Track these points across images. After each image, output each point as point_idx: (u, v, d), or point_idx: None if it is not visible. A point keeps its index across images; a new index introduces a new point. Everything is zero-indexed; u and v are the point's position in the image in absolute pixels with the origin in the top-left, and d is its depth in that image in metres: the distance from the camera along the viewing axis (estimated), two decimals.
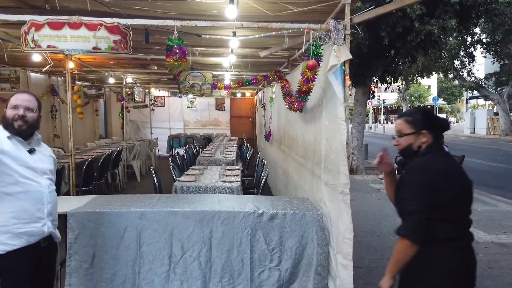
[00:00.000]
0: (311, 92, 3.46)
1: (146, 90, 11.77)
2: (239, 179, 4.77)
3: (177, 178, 4.70)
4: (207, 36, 3.56)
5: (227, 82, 6.86)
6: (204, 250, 3.21)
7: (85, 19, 2.78)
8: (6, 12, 3.29)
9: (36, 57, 4.84)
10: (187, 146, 9.25)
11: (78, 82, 7.69)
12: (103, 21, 2.78)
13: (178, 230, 3.20)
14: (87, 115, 11.04)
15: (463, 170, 1.96)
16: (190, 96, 16.33)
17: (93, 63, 6.60)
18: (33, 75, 8.14)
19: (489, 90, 25.71)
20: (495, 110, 28.18)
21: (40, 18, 2.74)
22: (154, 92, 13.41)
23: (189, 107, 15.36)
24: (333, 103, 2.94)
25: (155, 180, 4.57)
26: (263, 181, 4.82)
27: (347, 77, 2.70)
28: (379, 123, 44.71)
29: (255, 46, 4.62)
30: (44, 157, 2.35)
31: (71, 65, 5.56)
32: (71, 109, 5.44)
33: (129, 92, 10.37)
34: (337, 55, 2.69)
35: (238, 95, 15.47)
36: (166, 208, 3.23)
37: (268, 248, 3.22)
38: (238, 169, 5.69)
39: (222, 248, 3.21)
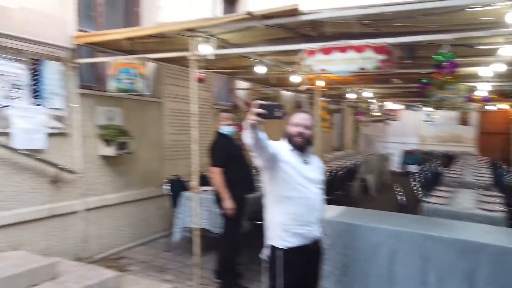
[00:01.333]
0: None
1: (381, 104, 11.68)
2: (504, 209, 4.04)
3: (426, 199, 4.39)
4: (480, 47, 3.18)
5: (483, 93, 6.00)
6: (466, 287, 2.85)
7: (352, 42, 2.97)
8: (282, 43, 3.88)
9: (295, 78, 5.57)
10: (429, 163, 8.59)
11: (321, 98, 8.36)
12: (369, 42, 2.90)
13: (434, 257, 2.97)
14: (321, 131, 11.87)
15: None
16: (429, 109, 15.24)
17: (338, 80, 7.03)
18: (284, 93, 9.38)
19: None
20: None
21: (314, 45, 3.11)
22: (389, 105, 13.16)
23: (426, 121, 14.31)
24: None
25: (399, 198, 4.41)
26: None
27: None
28: None
29: None
30: (316, 168, 2.62)
31: (320, 83, 6.11)
32: (318, 123, 5.93)
33: (366, 106, 10.53)
34: None
35: (488, 107, 13.28)
36: (422, 231, 3.05)
37: None
38: (498, 196, 4.84)
39: None
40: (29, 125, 3.90)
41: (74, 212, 4.37)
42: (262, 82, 7.99)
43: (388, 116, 13.17)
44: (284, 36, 3.89)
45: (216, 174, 3.83)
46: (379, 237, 3.16)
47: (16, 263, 3.29)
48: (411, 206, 4.66)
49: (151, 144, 5.55)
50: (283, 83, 7.41)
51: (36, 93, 4.00)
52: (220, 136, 4.00)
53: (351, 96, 8.61)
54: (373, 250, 3.18)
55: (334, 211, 3.65)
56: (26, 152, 3.83)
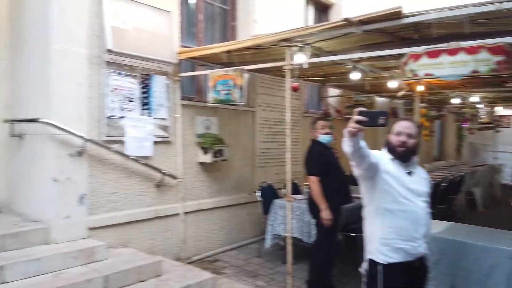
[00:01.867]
0: None
1: (490, 109, 10.50)
2: None
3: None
4: None
5: None
6: None
7: (463, 43, 2.72)
8: (379, 48, 3.71)
9: (392, 84, 5.29)
10: None
11: (420, 104, 7.80)
12: (484, 42, 2.63)
13: None
14: (421, 139, 11.07)
15: None
16: None
17: (439, 85, 6.51)
18: (378, 99, 8.97)
19: None
20: None
21: (418, 49, 2.91)
22: (500, 111, 11.77)
23: None
24: None
25: None
26: None
27: None
28: None
29: None
30: (421, 180, 2.44)
31: (420, 88, 5.71)
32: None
33: (472, 112, 9.57)
34: None
35: None
36: None
37: None
38: None
39: None
40: (139, 134, 4.32)
41: (175, 215, 4.69)
42: (354, 89, 7.76)
43: (498, 123, 11.78)
44: (382, 40, 3.73)
45: (314, 183, 3.80)
46: (493, 258, 2.82)
47: (126, 259, 3.65)
48: None
49: (244, 152, 5.74)
50: (378, 89, 7.10)
51: (145, 105, 4.42)
52: (317, 144, 3.96)
53: (455, 101, 7.88)
54: (487, 273, 2.85)
55: (440, 226, 3.37)
56: (136, 158, 4.24)
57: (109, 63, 4.07)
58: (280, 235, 4.70)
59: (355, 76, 4.83)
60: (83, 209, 3.80)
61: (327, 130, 3.97)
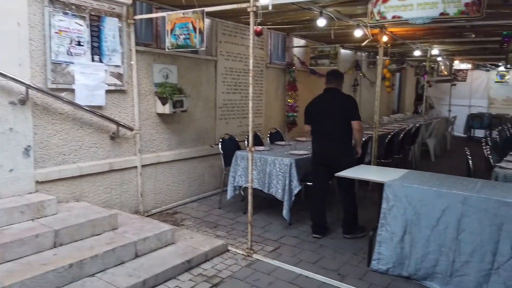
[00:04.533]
0: None
1: (449, 63, 10.73)
2: None
3: (499, 164, 3.99)
4: None
5: None
6: None
7: None
8: None
9: (358, 33, 5.16)
10: (498, 128, 7.86)
11: (383, 57, 7.80)
12: None
13: (509, 225, 2.69)
14: (383, 89, 11.23)
15: None
16: (501, 69, 13.84)
17: (403, 35, 6.48)
18: (342, 51, 8.88)
19: None
20: None
21: None
22: (457, 65, 12.07)
23: (498, 81, 13.03)
24: None
25: (470, 163, 4.05)
26: None
27: None
28: None
29: None
30: None
31: (385, 39, 5.63)
32: (380, 82, 5.54)
33: (432, 66, 9.73)
34: None
35: None
36: (496, 197, 2.76)
37: None
38: None
39: None
40: (90, 82, 4.00)
41: (132, 168, 4.52)
42: (319, 39, 7.60)
43: (455, 76, 12.12)
44: None
45: (361, 126, 4.10)
46: (446, 203, 2.92)
47: (79, 213, 3.49)
48: (479, 172, 4.29)
49: (205, 103, 5.54)
50: (342, 40, 6.98)
51: (96, 50, 4.06)
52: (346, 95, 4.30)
53: (416, 53, 7.94)
54: (438, 216, 2.95)
55: (395, 174, 3.43)
56: (88, 108, 3.96)
57: (52, 1, 3.65)
58: (241, 186, 4.68)
59: (321, 22, 4.66)
60: (29, 162, 3.55)
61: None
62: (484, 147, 4.82)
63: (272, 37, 7.15)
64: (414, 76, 13.46)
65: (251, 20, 3.44)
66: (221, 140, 5.08)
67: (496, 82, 13.09)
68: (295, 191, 4.26)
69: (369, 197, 5.32)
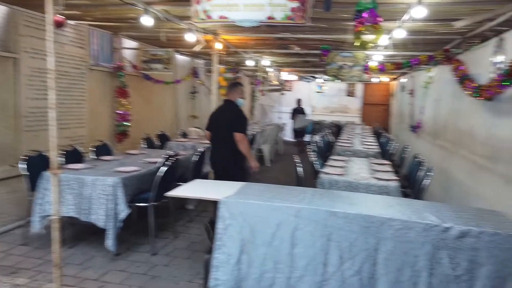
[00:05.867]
0: None
1: (278, 73, 11.57)
2: (396, 178, 4.06)
3: (322, 170, 4.21)
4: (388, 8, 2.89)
5: (373, 64, 6.07)
6: (367, 265, 2.65)
7: None
8: None
9: (190, 37, 4.82)
10: (321, 133, 8.73)
11: (218, 65, 7.76)
12: None
13: (338, 235, 2.70)
14: (219, 98, 11.37)
15: None
16: (319, 80, 15.81)
17: (237, 45, 6.50)
18: (178, 57, 8.53)
19: None
20: None
21: None
22: (284, 76, 13.19)
23: (318, 92, 14.81)
24: None
25: (299, 170, 4.15)
26: (424, 184, 4.01)
27: None
28: None
29: (434, 18, 3.73)
30: None
31: (219, 46, 5.49)
32: (216, 90, 5.37)
33: (264, 76, 10.27)
34: None
35: (373, 80, 14.26)
36: (326, 207, 2.76)
37: (453, 274, 2.51)
38: (388, 164, 4.95)
39: (391, 266, 2.61)
40: None
41: None
42: (152, 43, 7.03)
43: (284, 86, 13.22)
44: None
45: (245, 140, 4.13)
46: (281, 217, 2.79)
47: None
48: (309, 177, 4.49)
49: (1, 112, 4.36)
50: (176, 44, 6.60)
51: None
52: (236, 106, 4.28)
53: (249, 63, 8.17)
54: (274, 232, 2.80)
55: (229, 189, 3.18)
56: None
57: None
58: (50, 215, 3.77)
59: (147, 21, 4.15)
60: None
61: (243, 95, 4.46)
62: (309, 153, 5.08)
63: (96, 36, 6.25)
64: (250, 85, 14.14)
65: (48, 7, 2.70)
66: (26, 158, 4.03)
67: (316, 92, 14.82)
68: (122, 216, 3.63)
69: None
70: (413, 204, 3.04)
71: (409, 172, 5.19)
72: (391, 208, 2.84)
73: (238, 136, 4.05)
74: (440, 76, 5.71)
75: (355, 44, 2.92)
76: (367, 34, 2.51)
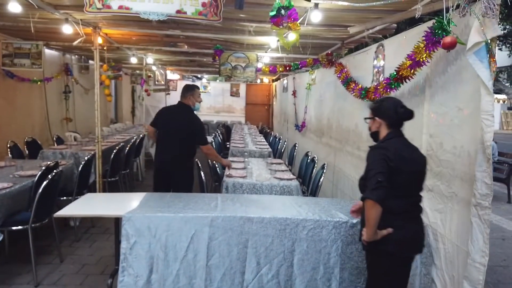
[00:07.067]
0: (412, 78, 2.86)
1: (163, 72, 11.08)
2: (295, 177, 4.21)
3: (227, 173, 4.12)
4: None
5: (260, 66, 6.21)
6: (284, 267, 2.66)
7: None
8: None
9: (67, 29, 4.17)
10: (213, 134, 8.65)
11: (100, 63, 6.99)
12: None
13: (254, 241, 2.65)
14: (102, 98, 10.38)
15: (416, 156, 2.19)
16: (204, 80, 15.72)
17: (120, 40, 5.94)
18: (47, 51, 7.44)
19: (504, 84, 25.01)
20: (508, 105, 27.47)
21: None
22: (169, 75, 12.71)
23: (202, 92, 14.70)
24: (464, 93, 2.38)
25: (202, 175, 3.98)
26: (321, 181, 4.24)
27: (494, 59, 2.12)
28: None
29: (323, 23, 3.94)
30: None
31: (99, 40, 4.92)
32: (98, 90, 4.83)
33: (149, 74, 9.70)
34: (483, 29, 2.09)
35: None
36: (240, 214, 2.66)
37: (362, 265, 2.67)
38: (283, 163, 5.12)
39: (306, 266, 2.66)
40: None
41: None
42: (16, 34, 5.94)
43: (169, 86, 12.75)
44: None
45: (211, 149, 4.18)
46: (193, 228, 2.60)
47: None
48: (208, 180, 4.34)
49: None
50: (48, 37, 5.71)
51: None
52: (193, 111, 4.08)
53: (132, 60, 7.59)
54: (187, 245, 2.60)
55: (132, 203, 2.85)
56: None
57: None
58: None
59: (14, 7, 3.46)
60: None
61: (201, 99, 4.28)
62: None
63: None
64: (130, 84, 13.28)
65: None
66: None
67: (201, 92, 14.70)
68: None
69: None
70: (319, 202, 3.15)
71: (301, 169, 5.45)
72: (301, 208, 2.89)
73: (205, 148, 4.01)
74: (322, 78, 6.15)
75: (280, 43, 2.89)
76: (285, 33, 2.49)
